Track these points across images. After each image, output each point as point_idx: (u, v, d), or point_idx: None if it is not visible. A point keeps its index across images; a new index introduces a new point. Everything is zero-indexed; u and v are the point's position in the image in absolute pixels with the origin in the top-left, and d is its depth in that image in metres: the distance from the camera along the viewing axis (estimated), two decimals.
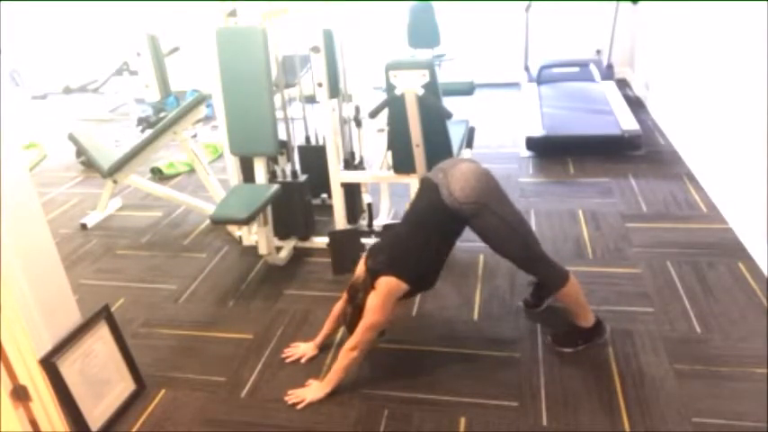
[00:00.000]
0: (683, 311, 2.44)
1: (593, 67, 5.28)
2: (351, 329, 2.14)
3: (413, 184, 2.91)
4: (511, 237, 2.11)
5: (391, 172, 2.95)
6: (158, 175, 4.35)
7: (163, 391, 2.25)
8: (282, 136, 3.13)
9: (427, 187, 2.16)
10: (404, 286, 2.08)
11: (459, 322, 2.49)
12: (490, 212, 2.07)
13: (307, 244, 3.21)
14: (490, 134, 4.64)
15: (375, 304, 2.05)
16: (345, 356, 2.11)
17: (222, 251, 3.25)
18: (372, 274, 2.11)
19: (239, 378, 2.29)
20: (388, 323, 2.15)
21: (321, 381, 2.17)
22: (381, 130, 3.14)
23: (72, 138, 3.65)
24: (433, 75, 2.56)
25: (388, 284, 2.06)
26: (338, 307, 2.33)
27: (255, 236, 3.06)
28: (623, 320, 2.42)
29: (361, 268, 2.20)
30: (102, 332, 2.15)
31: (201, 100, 3.43)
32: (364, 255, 2.23)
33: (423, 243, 2.11)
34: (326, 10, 2.87)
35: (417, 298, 2.66)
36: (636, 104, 4.96)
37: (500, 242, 2.13)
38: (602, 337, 2.29)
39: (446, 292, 2.70)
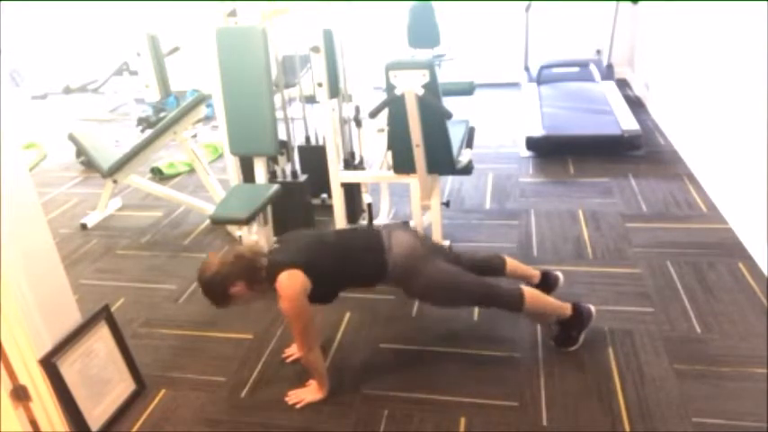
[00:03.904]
0: (683, 311, 2.44)
1: (593, 67, 5.28)
2: None
3: (413, 183, 2.91)
4: (452, 290, 2.18)
5: (391, 172, 2.95)
6: (158, 175, 4.35)
7: (163, 391, 2.25)
8: (282, 136, 3.13)
9: (368, 232, 2.24)
10: (306, 281, 2.00)
11: (459, 322, 2.49)
12: (423, 274, 2.13)
13: None
14: (490, 134, 4.64)
15: (288, 309, 1.97)
16: (308, 360, 2.09)
17: (222, 251, 3.24)
18: (274, 268, 2.02)
19: (239, 378, 2.29)
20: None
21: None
22: (381, 130, 3.14)
23: (72, 138, 3.65)
24: (433, 75, 2.56)
25: (291, 278, 1.97)
26: None
27: (255, 236, 3.06)
28: (623, 320, 2.42)
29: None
30: (102, 332, 2.15)
31: (201, 100, 3.43)
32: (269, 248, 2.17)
33: (341, 263, 2.12)
34: (326, 10, 2.87)
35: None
36: (636, 104, 4.95)
37: (446, 298, 2.22)
38: (589, 317, 2.26)
39: None
